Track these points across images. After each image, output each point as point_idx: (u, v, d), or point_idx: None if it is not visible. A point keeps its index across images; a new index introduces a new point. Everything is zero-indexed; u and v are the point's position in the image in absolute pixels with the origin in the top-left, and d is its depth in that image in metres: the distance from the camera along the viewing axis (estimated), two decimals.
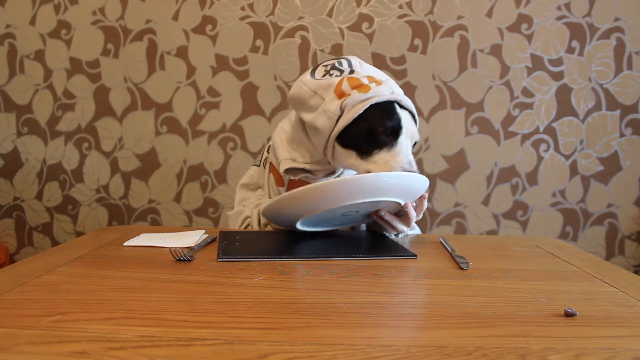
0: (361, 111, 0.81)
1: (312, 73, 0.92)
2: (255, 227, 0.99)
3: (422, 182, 0.78)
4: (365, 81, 0.84)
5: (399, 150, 0.83)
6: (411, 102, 0.88)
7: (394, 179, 0.74)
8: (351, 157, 0.85)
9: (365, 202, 0.77)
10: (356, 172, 0.87)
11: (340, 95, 0.84)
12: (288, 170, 0.95)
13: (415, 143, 0.88)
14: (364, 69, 0.90)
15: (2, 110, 2.03)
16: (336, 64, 0.91)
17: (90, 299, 0.51)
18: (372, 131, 0.82)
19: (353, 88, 0.83)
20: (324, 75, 0.89)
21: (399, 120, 0.83)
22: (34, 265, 0.64)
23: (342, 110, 0.83)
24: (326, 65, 0.92)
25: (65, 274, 0.60)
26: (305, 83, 0.89)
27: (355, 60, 0.92)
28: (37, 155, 2.04)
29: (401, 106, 0.85)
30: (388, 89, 0.84)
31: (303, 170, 0.95)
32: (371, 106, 0.82)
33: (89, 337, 0.41)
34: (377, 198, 0.76)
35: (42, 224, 2.07)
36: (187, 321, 0.45)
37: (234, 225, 1.07)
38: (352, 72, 0.88)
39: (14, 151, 2.05)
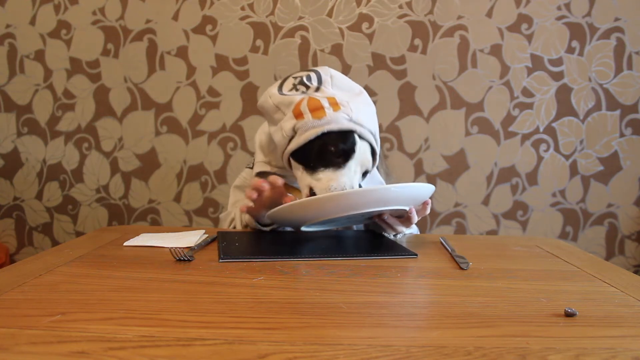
0: (312, 137, 0.82)
1: (280, 86, 0.92)
2: (239, 228, 1.01)
3: (428, 191, 0.79)
4: (325, 104, 0.84)
5: (345, 173, 0.83)
6: (372, 129, 0.87)
7: (403, 190, 0.75)
8: (299, 170, 0.87)
9: (372, 210, 0.78)
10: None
11: (298, 115, 0.85)
12: (260, 174, 0.96)
13: (366, 172, 0.87)
14: (335, 84, 0.90)
15: (2, 110, 2.03)
16: (304, 79, 0.90)
17: (90, 299, 0.51)
18: (323, 149, 0.83)
19: (311, 110, 0.84)
20: (290, 90, 0.90)
21: (353, 145, 0.83)
22: (34, 265, 0.64)
23: (294, 132, 0.85)
24: (295, 78, 0.92)
25: (65, 274, 0.60)
26: (270, 97, 0.90)
27: (326, 75, 0.90)
28: (37, 155, 2.04)
29: (359, 136, 0.85)
30: (346, 115, 0.83)
31: (275, 174, 0.96)
32: (324, 133, 0.83)
33: (89, 337, 0.41)
34: (385, 207, 0.78)
35: (42, 224, 2.07)
36: (187, 321, 0.45)
37: (223, 226, 1.09)
38: (318, 89, 0.88)
39: (14, 151, 2.05)
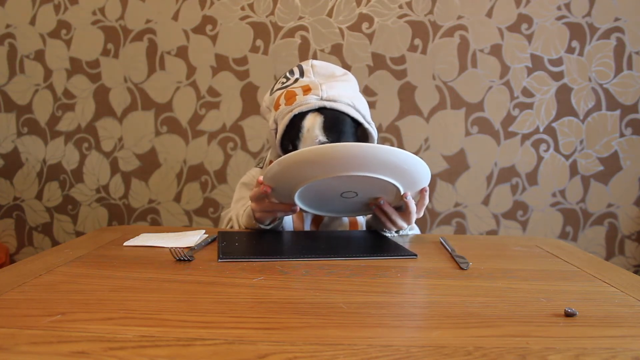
0: (287, 122, 0.89)
1: (272, 87, 0.98)
2: (237, 229, 1.01)
3: (422, 167, 0.77)
4: (298, 91, 0.90)
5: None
6: (350, 101, 0.90)
7: (396, 154, 0.73)
8: None
9: (362, 178, 0.75)
10: None
11: (276, 108, 0.92)
12: None
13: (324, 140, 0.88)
14: (316, 72, 0.95)
15: (2, 110, 2.03)
16: (287, 74, 0.97)
17: (90, 299, 0.51)
18: (282, 142, 0.93)
19: (286, 100, 0.91)
20: (278, 89, 0.96)
21: (297, 132, 0.88)
22: (34, 265, 0.64)
23: (276, 124, 0.92)
24: (283, 76, 0.98)
25: (65, 274, 0.60)
26: (264, 100, 0.98)
27: (307, 65, 0.96)
28: (37, 155, 2.04)
29: (329, 109, 0.89)
30: (316, 96, 0.89)
31: None
32: (294, 116, 0.89)
33: (89, 337, 0.41)
34: (374, 174, 0.75)
35: (42, 224, 2.07)
36: (187, 321, 0.45)
37: (221, 225, 1.09)
38: (297, 80, 0.94)
39: (14, 151, 2.05)
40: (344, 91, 0.91)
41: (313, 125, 0.87)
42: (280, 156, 0.91)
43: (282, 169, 0.77)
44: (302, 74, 0.94)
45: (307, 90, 0.89)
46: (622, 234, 1.91)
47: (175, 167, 1.99)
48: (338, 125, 0.88)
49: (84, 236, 0.87)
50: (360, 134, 0.96)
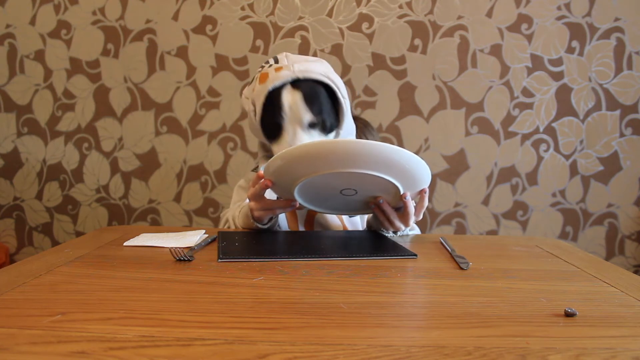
0: (264, 100, 0.90)
1: (251, 81, 0.99)
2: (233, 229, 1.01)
3: (422, 167, 0.77)
4: (271, 71, 0.91)
5: (284, 139, 0.89)
6: (323, 72, 0.91)
7: (397, 152, 0.73)
8: (271, 143, 0.93)
9: (363, 175, 0.75)
10: None
11: (253, 90, 0.93)
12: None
13: (317, 123, 0.90)
14: (289, 58, 0.95)
15: (2, 110, 2.03)
16: (263, 63, 0.97)
17: (90, 299, 0.51)
18: (263, 126, 0.92)
19: (260, 82, 0.92)
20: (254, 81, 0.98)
21: (279, 110, 0.88)
22: (34, 265, 0.64)
23: (254, 105, 0.92)
24: (259, 67, 0.99)
25: (65, 274, 0.60)
26: (243, 93, 0.99)
27: (282, 55, 0.97)
28: (37, 155, 2.04)
29: (303, 80, 0.90)
30: (289, 72, 0.90)
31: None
32: (270, 93, 0.89)
33: (89, 337, 0.41)
34: (375, 172, 0.75)
35: (42, 224, 2.07)
36: (187, 321, 0.45)
37: (220, 226, 1.10)
38: (270, 66, 0.94)
39: (14, 151, 2.05)
40: (314, 67, 0.93)
41: (294, 101, 0.88)
42: (264, 137, 0.94)
43: (285, 163, 0.77)
44: (276, 61, 0.96)
45: (279, 69, 0.91)
46: (622, 234, 1.91)
47: (175, 167, 1.99)
48: (317, 97, 0.90)
49: (84, 236, 0.87)
50: (337, 109, 0.97)
